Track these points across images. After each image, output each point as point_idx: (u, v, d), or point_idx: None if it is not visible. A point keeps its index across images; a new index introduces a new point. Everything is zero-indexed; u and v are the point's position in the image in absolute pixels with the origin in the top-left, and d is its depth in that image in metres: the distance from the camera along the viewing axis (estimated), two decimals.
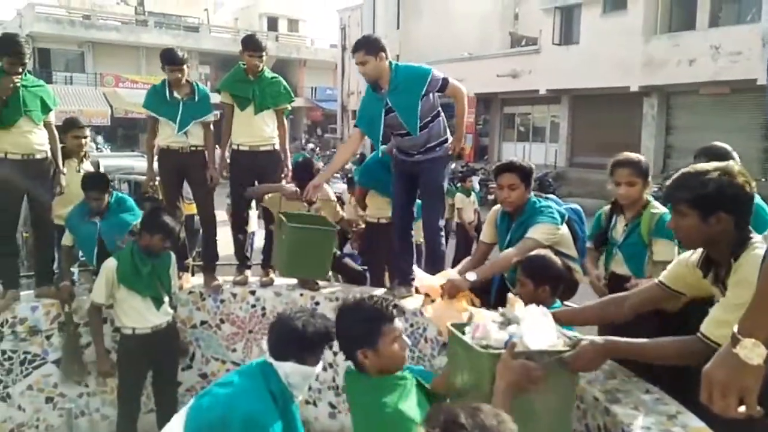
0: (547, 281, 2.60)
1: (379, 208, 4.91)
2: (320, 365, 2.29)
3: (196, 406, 2.20)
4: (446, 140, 4.02)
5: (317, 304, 4.36)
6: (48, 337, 4.05)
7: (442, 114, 4.03)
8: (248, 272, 4.65)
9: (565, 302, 4.18)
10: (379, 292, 4.10)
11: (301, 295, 4.42)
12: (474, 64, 22.56)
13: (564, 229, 3.26)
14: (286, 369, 2.19)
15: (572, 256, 3.26)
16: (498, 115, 24.23)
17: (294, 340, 2.18)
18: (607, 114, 19.39)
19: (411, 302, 3.89)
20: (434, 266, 3.81)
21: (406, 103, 3.81)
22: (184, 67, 4.37)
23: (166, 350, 3.87)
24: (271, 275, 4.58)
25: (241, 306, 4.48)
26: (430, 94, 3.85)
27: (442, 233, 4.21)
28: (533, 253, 2.80)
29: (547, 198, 3.44)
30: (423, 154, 3.95)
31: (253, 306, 4.47)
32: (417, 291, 3.53)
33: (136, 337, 3.73)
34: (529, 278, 2.60)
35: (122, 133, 30.73)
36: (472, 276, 3.00)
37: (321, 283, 4.50)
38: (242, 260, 4.70)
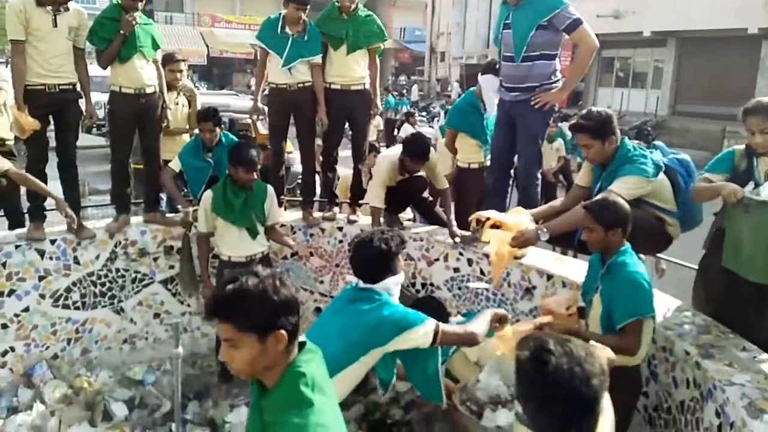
0: (617, 226, 2.50)
1: (468, 152, 4.85)
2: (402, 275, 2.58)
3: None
4: (549, 89, 3.89)
5: (403, 242, 4.44)
6: (155, 259, 4.41)
7: (558, 62, 3.89)
8: (336, 209, 4.79)
9: (658, 255, 4.04)
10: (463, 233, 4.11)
11: None
12: (572, 3, 21.16)
13: (659, 180, 3.08)
14: (388, 284, 2.47)
15: (667, 209, 3.10)
16: (595, 59, 22.83)
17: (383, 259, 2.48)
18: (719, 58, 17.78)
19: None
20: (525, 207, 3.75)
21: (522, 23, 3.75)
22: (307, 7, 4.40)
23: None
24: (358, 213, 4.70)
25: (329, 241, 4.65)
26: (552, 29, 3.72)
27: (538, 182, 4.13)
28: (599, 197, 2.70)
29: (654, 146, 3.26)
30: (522, 93, 3.84)
31: (340, 241, 4.63)
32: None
33: (231, 265, 3.98)
34: (599, 223, 2.51)
35: (217, 72, 31.75)
36: (545, 236, 3.00)
37: (406, 223, 4.57)
38: (331, 198, 4.84)
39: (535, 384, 1.26)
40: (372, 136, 10.88)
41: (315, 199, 5.01)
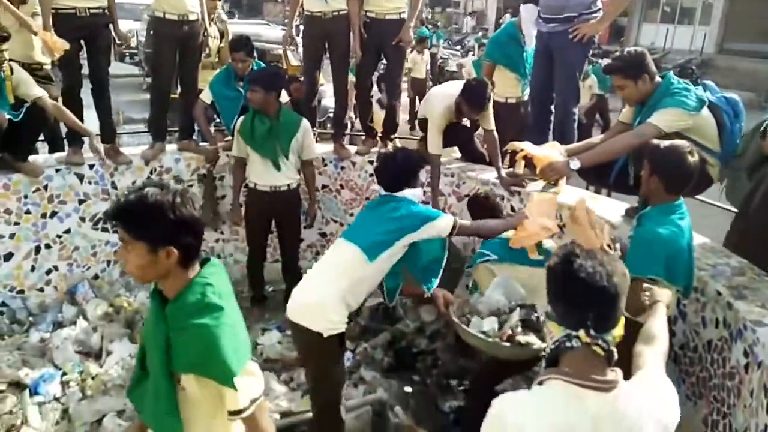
0: (661, 174, 2.32)
1: (507, 87, 4.72)
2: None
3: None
4: (588, 20, 3.72)
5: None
6: (189, 187, 4.48)
7: None
8: (374, 142, 4.75)
9: (696, 197, 3.94)
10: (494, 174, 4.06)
11: None
12: None
13: (702, 116, 2.96)
14: (406, 194, 2.73)
15: (709, 147, 2.99)
16: None
17: (405, 173, 2.75)
18: None
19: (533, 185, 3.83)
20: (561, 143, 3.68)
21: None
22: None
23: (285, 209, 4.11)
24: (390, 147, 4.66)
25: (360, 174, 4.65)
26: None
27: (574, 119, 4.02)
28: (671, 142, 2.58)
29: (702, 85, 3.12)
30: (560, 24, 3.68)
31: (371, 175, 4.62)
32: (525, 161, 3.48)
33: (257, 192, 4.03)
34: (649, 163, 2.41)
35: (247, 1, 31.09)
36: (575, 164, 2.93)
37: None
38: (367, 130, 4.80)
39: (563, 283, 1.41)
40: (421, 74, 10.66)
41: (346, 131, 4.98)
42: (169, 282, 1.56)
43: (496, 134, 4.04)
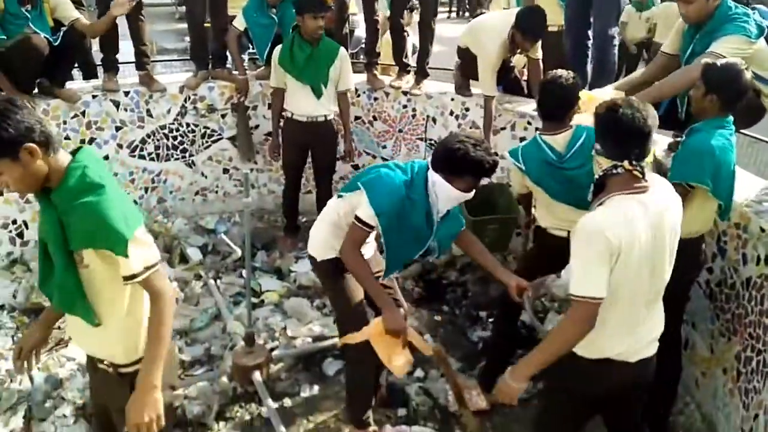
0: (717, 92, 2.29)
1: (547, 12, 4.48)
2: (470, 194, 2.33)
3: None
4: None
5: (467, 110, 4.33)
6: (223, 116, 4.49)
7: None
8: (407, 77, 4.64)
9: (745, 132, 3.78)
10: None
11: (452, 99, 4.39)
12: None
13: (760, 44, 2.78)
14: (434, 177, 2.32)
15: (766, 78, 2.83)
16: None
17: (447, 158, 2.27)
18: None
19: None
20: (601, 78, 3.54)
21: None
22: None
23: (322, 140, 4.10)
24: (422, 84, 4.53)
25: (393, 105, 4.58)
26: None
27: (615, 43, 3.82)
28: (725, 60, 2.45)
29: (753, 8, 2.92)
30: None
31: (405, 106, 4.55)
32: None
33: (293, 122, 4.00)
34: (704, 83, 2.31)
35: None
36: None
37: (474, 90, 4.41)
38: (400, 64, 4.67)
39: (609, 125, 1.83)
40: None
41: (379, 62, 4.86)
42: (49, 177, 1.61)
43: (540, 63, 3.89)
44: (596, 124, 1.88)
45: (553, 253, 2.82)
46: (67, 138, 3.97)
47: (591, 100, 2.77)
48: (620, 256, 1.76)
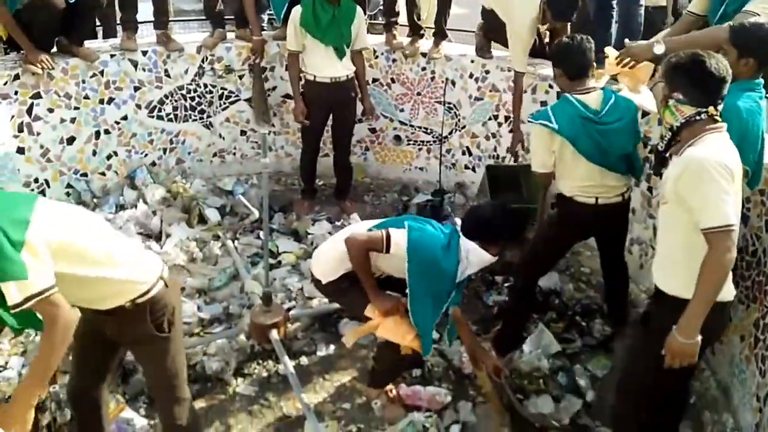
0: (753, 54, 2.22)
1: None
2: (494, 259, 2.46)
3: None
4: None
5: (487, 72, 4.26)
6: (240, 77, 4.46)
7: None
8: (421, 41, 4.55)
9: None
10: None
11: (472, 62, 4.31)
12: None
13: None
14: (468, 246, 2.40)
15: None
16: None
17: (485, 229, 2.42)
18: None
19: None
20: (625, 38, 3.43)
21: None
22: None
23: (344, 101, 4.07)
24: (440, 47, 4.44)
25: (412, 68, 4.51)
26: None
27: (641, 3, 3.70)
28: (751, 19, 2.37)
29: None
30: None
31: (423, 69, 4.48)
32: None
33: (317, 84, 3.97)
34: (734, 46, 2.23)
35: None
36: (659, 48, 2.61)
37: (495, 52, 4.32)
38: (414, 27, 4.56)
39: (697, 74, 1.91)
40: None
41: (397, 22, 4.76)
42: None
43: (568, 26, 3.79)
44: (677, 74, 1.96)
45: (577, 221, 2.81)
46: (86, 98, 3.98)
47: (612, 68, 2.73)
48: (734, 183, 1.86)
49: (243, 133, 4.63)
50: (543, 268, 3.04)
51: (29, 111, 3.76)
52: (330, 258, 2.59)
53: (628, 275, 3.07)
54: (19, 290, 1.57)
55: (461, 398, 2.80)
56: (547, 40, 4.36)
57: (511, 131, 3.97)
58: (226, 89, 4.46)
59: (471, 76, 4.30)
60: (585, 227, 2.91)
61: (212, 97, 4.45)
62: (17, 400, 1.69)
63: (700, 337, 1.84)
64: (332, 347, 3.12)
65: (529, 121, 2.80)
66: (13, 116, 3.67)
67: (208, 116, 4.48)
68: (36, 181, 3.92)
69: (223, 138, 4.58)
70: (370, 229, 2.47)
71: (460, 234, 2.44)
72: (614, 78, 3.00)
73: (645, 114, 3.26)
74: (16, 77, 3.66)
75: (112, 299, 1.87)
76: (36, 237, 1.61)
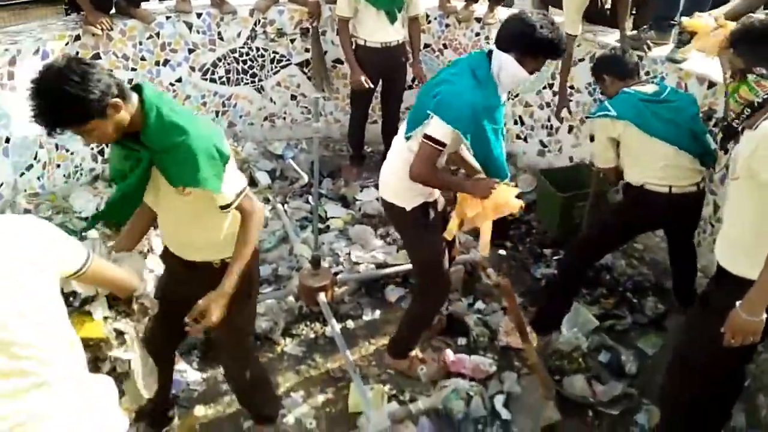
0: None
1: None
2: (533, 76, 2.20)
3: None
4: None
5: None
6: (292, 41, 4.45)
7: None
8: (475, 5, 4.43)
9: None
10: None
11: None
12: None
13: None
14: (502, 59, 2.14)
15: None
16: None
17: (523, 36, 2.10)
18: None
19: (662, 49, 3.47)
20: (694, 7, 3.25)
21: None
22: None
23: (395, 66, 4.04)
24: (495, 11, 4.32)
25: (465, 33, 4.40)
26: None
27: None
28: None
29: None
30: None
31: (477, 35, 4.37)
32: (682, 29, 3.07)
33: (367, 49, 3.93)
34: None
35: None
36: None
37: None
38: None
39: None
40: None
41: None
42: (129, 123, 1.69)
43: None
44: (762, 46, 1.85)
45: (648, 212, 2.69)
46: (142, 59, 4.05)
47: (697, 26, 2.58)
48: None
49: (293, 97, 4.64)
50: (599, 254, 2.96)
51: None
52: (396, 183, 2.43)
53: (696, 256, 2.96)
54: (231, 190, 1.80)
55: (506, 369, 2.81)
56: (608, 5, 4.19)
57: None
58: (277, 53, 4.47)
59: (570, 95, 4.14)
60: (655, 219, 2.80)
61: (264, 61, 4.46)
62: (223, 286, 1.87)
63: (765, 316, 1.77)
64: (378, 312, 3.16)
65: (587, 118, 2.73)
66: None
67: (260, 80, 4.51)
68: None
69: (274, 102, 4.61)
70: (408, 136, 2.34)
71: (493, 52, 2.18)
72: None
73: (711, 85, 3.12)
74: (77, 38, 3.75)
75: (211, 251, 1.97)
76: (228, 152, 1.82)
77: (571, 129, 4.08)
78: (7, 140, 3.40)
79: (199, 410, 2.42)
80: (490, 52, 2.21)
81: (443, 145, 2.18)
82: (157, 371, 1.79)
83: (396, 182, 2.43)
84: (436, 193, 2.51)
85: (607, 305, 3.15)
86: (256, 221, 1.89)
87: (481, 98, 2.16)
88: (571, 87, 3.96)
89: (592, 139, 3.96)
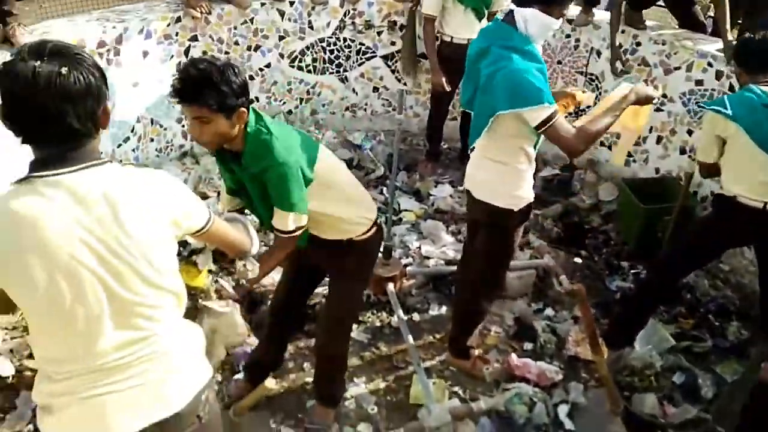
0: None
1: None
2: (560, 21, 2.13)
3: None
4: None
5: (638, 45, 3.96)
6: (379, 33, 4.50)
7: None
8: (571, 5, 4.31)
9: None
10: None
11: (623, 32, 4.03)
12: None
13: None
14: (526, 14, 2.09)
15: None
16: None
17: None
18: None
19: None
20: None
21: None
22: None
23: None
24: (591, 12, 4.19)
25: (555, 34, 4.30)
26: None
27: None
28: None
29: None
30: None
31: (567, 36, 4.27)
32: None
33: (453, 46, 3.90)
34: None
35: None
36: None
37: (649, 23, 4.01)
38: None
39: None
40: None
41: None
42: (235, 138, 1.79)
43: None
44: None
45: (738, 227, 2.54)
46: (236, 43, 4.20)
47: None
48: None
49: (375, 89, 4.69)
50: (683, 272, 2.80)
51: (186, 52, 4.04)
52: (494, 180, 2.34)
53: None
54: (295, 222, 1.88)
55: (572, 379, 2.74)
56: (711, 13, 4.00)
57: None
58: (363, 45, 4.52)
59: (620, 47, 4.03)
60: (745, 235, 2.63)
61: (350, 52, 4.53)
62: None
63: None
64: (444, 308, 3.15)
65: (699, 106, 2.59)
66: (172, 56, 3.96)
67: (344, 70, 4.58)
68: (186, 117, 4.23)
69: (356, 93, 4.67)
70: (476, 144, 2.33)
71: (514, 16, 2.12)
72: None
73: None
74: (178, 19, 3.93)
75: (337, 233, 2.10)
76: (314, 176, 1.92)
77: (659, 140, 3.91)
78: None
79: (268, 383, 2.49)
80: (508, 15, 2.16)
81: (555, 113, 2.07)
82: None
83: (486, 177, 2.37)
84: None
85: (685, 325, 3.01)
86: (280, 255, 2.01)
87: (533, 65, 2.09)
88: (664, 96, 3.81)
89: (682, 151, 3.81)
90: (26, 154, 1.22)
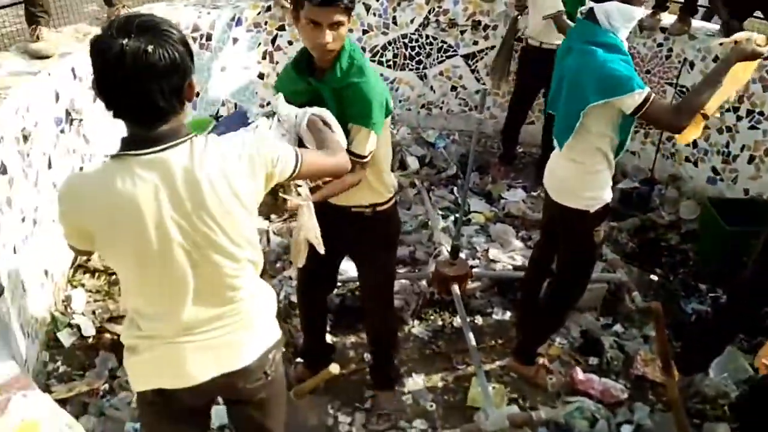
0: None
1: None
2: (642, 9, 2.10)
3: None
4: None
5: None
6: (462, 32, 4.47)
7: None
8: (663, 14, 4.14)
9: None
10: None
11: (720, 44, 3.81)
12: None
13: None
14: (606, 8, 2.07)
15: None
16: None
17: None
18: None
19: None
20: None
21: None
22: None
23: None
24: (688, 21, 4.00)
25: (646, 42, 4.14)
26: None
27: None
28: None
29: None
30: None
31: (660, 45, 4.10)
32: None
33: (542, 51, 3.81)
34: None
35: None
36: None
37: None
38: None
39: None
40: None
41: None
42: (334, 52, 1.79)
43: None
44: None
45: None
46: None
47: None
48: None
49: (453, 88, 4.66)
50: None
51: (273, 41, 4.15)
52: (574, 183, 2.31)
53: None
54: (371, 144, 1.84)
55: (638, 400, 2.64)
56: None
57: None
58: (445, 43, 4.51)
59: (716, 59, 3.84)
60: None
61: (431, 49, 4.52)
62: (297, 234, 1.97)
63: None
64: (508, 314, 3.10)
65: None
66: (260, 44, 4.08)
67: (424, 67, 4.58)
68: (268, 104, 4.36)
69: (434, 91, 4.66)
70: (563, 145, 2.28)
71: (592, 6, 2.11)
72: None
73: None
74: (268, 9, 4.05)
75: (369, 194, 2.03)
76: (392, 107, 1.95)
77: (752, 159, 3.70)
78: (197, 94, 3.78)
79: (332, 368, 2.52)
80: (588, 12, 2.14)
81: (648, 96, 2.02)
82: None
83: (565, 176, 2.34)
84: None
85: None
86: (349, 182, 1.88)
87: (618, 56, 2.06)
88: (761, 114, 3.59)
89: None
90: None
